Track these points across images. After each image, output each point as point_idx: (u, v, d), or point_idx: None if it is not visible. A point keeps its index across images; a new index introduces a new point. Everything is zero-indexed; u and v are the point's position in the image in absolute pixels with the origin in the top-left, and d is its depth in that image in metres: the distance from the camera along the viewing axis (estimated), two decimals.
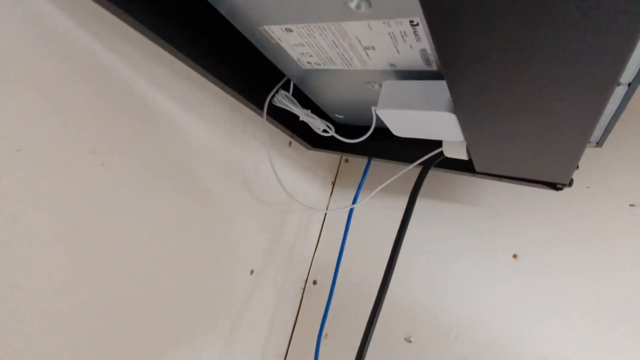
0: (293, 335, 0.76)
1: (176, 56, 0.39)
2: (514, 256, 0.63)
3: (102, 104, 0.36)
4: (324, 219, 0.79)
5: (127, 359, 0.43)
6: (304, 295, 0.77)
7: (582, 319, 0.56)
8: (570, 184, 0.48)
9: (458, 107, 0.33)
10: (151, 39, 0.36)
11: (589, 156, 0.59)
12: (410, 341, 0.66)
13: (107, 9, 0.32)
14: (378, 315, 0.47)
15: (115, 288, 0.40)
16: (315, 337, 0.68)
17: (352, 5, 0.31)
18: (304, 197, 0.72)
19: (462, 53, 0.24)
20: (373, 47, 0.37)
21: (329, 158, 0.79)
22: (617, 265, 0.56)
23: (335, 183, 0.81)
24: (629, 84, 0.32)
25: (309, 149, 0.64)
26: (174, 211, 0.46)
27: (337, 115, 0.61)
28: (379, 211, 0.73)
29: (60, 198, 0.33)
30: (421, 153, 0.56)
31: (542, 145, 0.36)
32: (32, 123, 0.31)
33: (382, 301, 0.48)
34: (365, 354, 0.47)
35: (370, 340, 0.47)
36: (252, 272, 0.62)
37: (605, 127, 0.41)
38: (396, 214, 0.63)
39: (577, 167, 0.46)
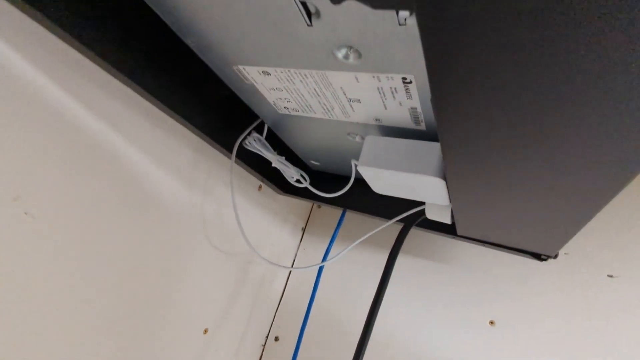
0: None
1: (133, 89, 0.34)
2: (491, 323, 0.59)
3: (37, 141, 0.30)
4: (290, 273, 0.73)
5: None
6: (263, 352, 0.70)
7: None
8: (555, 256, 0.45)
9: (451, 173, 0.29)
10: (106, 70, 0.31)
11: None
12: None
13: (50, 29, 0.27)
14: None
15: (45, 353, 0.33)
16: None
17: (340, 55, 0.28)
18: (270, 245, 0.66)
19: (465, 115, 0.20)
20: (358, 100, 0.34)
21: (301, 203, 0.74)
22: (595, 338, 0.54)
23: (306, 230, 0.76)
24: None
25: (279, 193, 0.60)
26: (119, 258, 0.39)
27: (312, 161, 0.56)
28: (352, 265, 0.68)
29: None
30: (401, 209, 0.52)
31: (538, 221, 0.33)
32: None
33: None
34: None
35: None
36: (206, 330, 0.54)
37: None
38: (370, 270, 0.58)
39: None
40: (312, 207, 0.76)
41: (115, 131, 0.36)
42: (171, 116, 0.38)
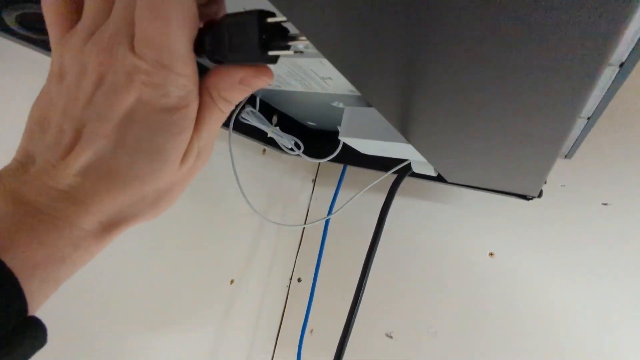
0: (280, 332, 0.78)
1: None
2: (490, 254, 0.64)
3: None
4: (305, 223, 0.79)
5: None
6: (289, 293, 0.79)
7: (560, 315, 0.58)
8: (540, 195, 0.48)
9: (407, 138, 0.32)
10: None
11: (562, 160, 0.59)
12: (391, 337, 0.68)
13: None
14: (356, 314, 0.49)
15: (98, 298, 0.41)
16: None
17: (300, 47, 0.30)
18: (282, 201, 0.72)
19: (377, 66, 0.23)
20: (330, 78, 0.36)
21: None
22: (591, 263, 0.57)
23: (316, 182, 0.81)
24: (588, 118, 0.32)
25: (284, 153, 0.64)
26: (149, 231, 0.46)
27: (309, 122, 0.59)
28: (358, 212, 0.73)
29: None
30: (395, 162, 0.55)
31: (506, 166, 0.36)
32: None
33: (360, 299, 0.49)
34: (344, 348, 0.48)
35: (349, 335, 0.49)
36: (232, 281, 0.63)
37: (572, 144, 0.41)
38: (374, 217, 0.63)
39: (545, 181, 0.46)
40: None
41: None
42: None
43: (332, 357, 0.49)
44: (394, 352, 0.67)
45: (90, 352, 0.43)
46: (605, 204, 0.58)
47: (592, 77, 0.15)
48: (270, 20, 0.17)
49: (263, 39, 0.17)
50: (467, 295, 0.64)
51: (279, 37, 0.18)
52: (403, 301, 0.69)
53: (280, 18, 0.17)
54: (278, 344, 0.78)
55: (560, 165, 0.59)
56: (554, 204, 0.60)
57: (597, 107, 0.30)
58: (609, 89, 0.26)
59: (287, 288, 0.79)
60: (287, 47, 0.18)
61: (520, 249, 0.62)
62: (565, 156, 0.45)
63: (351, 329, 0.50)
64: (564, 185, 0.60)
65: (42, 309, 0.18)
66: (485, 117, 0.23)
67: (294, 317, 0.77)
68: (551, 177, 0.60)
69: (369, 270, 0.49)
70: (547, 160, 0.30)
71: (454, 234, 0.66)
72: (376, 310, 0.70)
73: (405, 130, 0.30)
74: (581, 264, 0.58)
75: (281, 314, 0.78)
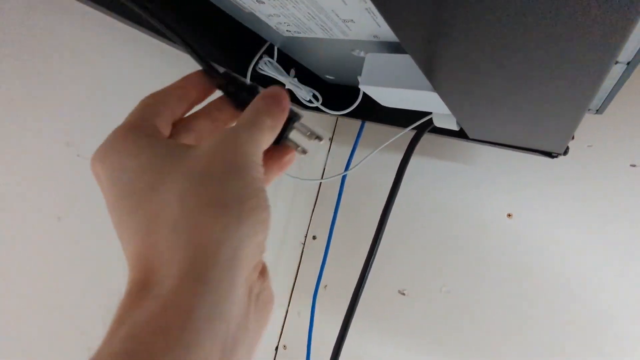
0: (295, 287, 0.80)
1: (142, 31, 0.36)
2: (509, 215, 0.63)
3: (74, 90, 0.35)
4: (321, 180, 0.79)
5: None
6: (304, 249, 0.80)
7: (578, 274, 0.58)
8: (565, 152, 0.46)
9: (435, 85, 0.31)
10: (114, 17, 0.34)
11: (592, 116, 0.56)
12: (404, 294, 0.69)
13: None
14: (369, 271, 0.49)
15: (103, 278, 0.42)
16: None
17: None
18: (299, 157, 0.71)
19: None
20: (352, 20, 0.34)
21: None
22: (618, 224, 0.56)
23: (333, 139, 0.80)
24: (628, 63, 0.29)
25: (302, 108, 0.62)
26: None
27: (327, 76, 0.58)
28: (375, 170, 0.73)
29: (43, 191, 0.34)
30: (415, 117, 0.53)
31: (533, 118, 0.34)
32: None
33: (374, 257, 0.50)
34: (357, 303, 0.49)
35: (362, 291, 0.49)
36: None
37: (605, 97, 0.38)
38: (391, 175, 0.62)
39: (573, 137, 0.44)
40: (337, 117, 0.79)
41: (136, 71, 0.40)
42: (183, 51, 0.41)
43: (345, 312, 0.50)
44: (406, 309, 0.69)
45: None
46: (633, 165, 0.56)
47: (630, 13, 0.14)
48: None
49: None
50: (482, 256, 0.64)
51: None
52: (417, 259, 0.69)
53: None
54: (292, 299, 0.80)
55: (589, 121, 0.56)
56: (578, 164, 0.58)
57: (638, 52, 0.28)
58: None
59: (302, 245, 0.80)
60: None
61: (539, 211, 0.60)
62: (597, 111, 0.43)
63: (364, 285, 0.50)
64: (590, 146, 0.58)
65: None
66: (518, 61, 0.22)
67: (308, 273, 0.78)
68: (579, 135, 0.58)
69: (384, 229, 0.49)
70: (577, 111, 0.28)
71: (473, 194, 0.65)
72: (390, 267, 0.71)
73: (434, 75, 0.28)
74: (603, 229, 0.57)
75: (296, 270, 0.80)
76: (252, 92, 0.22)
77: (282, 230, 0.73)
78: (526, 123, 0.36)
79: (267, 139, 0.19)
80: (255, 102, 0.20)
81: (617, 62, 0.30)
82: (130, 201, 0.16)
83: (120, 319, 0.14)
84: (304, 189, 0.77)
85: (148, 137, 0.17)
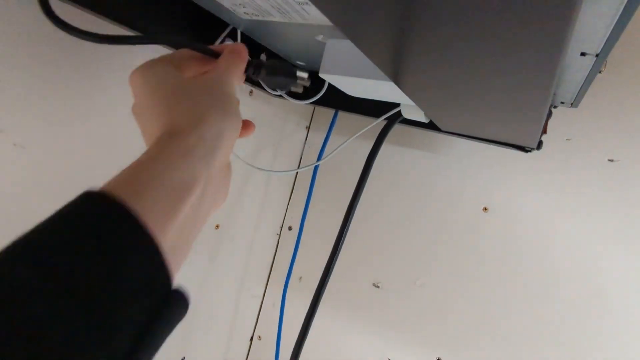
0: (270, 278, 0.79)
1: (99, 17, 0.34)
2: (485, 209, 0.61)
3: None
4: (294, 169, 0.77)
5: None
6: (279, 241, 0.78)
7: (555, 267, 0.57)
8: (539, 146, 0.44)
9: (388, 75, 0.29)
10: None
11: (570, 110, 0.54)
12: (378, 286, 0.68)
13: None
14: (336, 260, 0.48)
15: None
16: (292, 279, 0.71)
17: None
18: (273, 147, 0.69)
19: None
20: (307, 3, 0.32)
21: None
22: (595, 219, 0.55)
23: (310, 127, 0.77)
24: (597, 55, 0.27)
25: (273, 95, 0.60)
26: None
27: (298, 62, 0.55)
28: (348, 160, 0.71)
29: None
30: (388, 107, 0.51)
31: (497, 111, 0.32)
32: None
33: (341, 245, 0.48)
34: (323, 292, 0.48)
35: (327, 282, 0.48)
36: (217, 226, 0.62)
37: (577, 90, 0.36)
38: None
39: (545, 131, 0.42)
40: (314, 106, 0.76)
41: (90, 60, 0.37)
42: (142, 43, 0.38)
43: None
44: (381, 301, 0.68)
45: None
46: (611, 160, 0.54)
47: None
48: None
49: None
50: (458, 250, 0.63)
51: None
52: (391, 252, 0.68)
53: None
54: (267, 290, 0.79)
55: (566, 115, 0.55)
56: (556, 158, 0.57)
57: (605, 43, 0.26)
58: (616, 23, 0.22)
59: (278, 236, 0.78)
60: None
61: (517, 205, 0.59)
62: (572, 104, 0.41)
63: (329, 276, 0.49)
64: (569, 139, 0.56)
65: None
66: (471, 51, 0.20)
67: (284, 265, 0.77)
68: (557, 128, 0.56)
69: (352, 217, 0.48)
70: (539, 103, 0.26)
71: (448, 187, 0.64)
72: (364, 260, 0.70)
73: (383, 64, 0.26)
74: (580, 223, 0.55)
75: (271, 262, 0.79)
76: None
77: (256, 221, 0.71)
78: (491, 116, 0.34)
79: (238, 78, 0.30)
80: (225, 56, 0.29)
81: (584, 54, 0.28)
82: (162, 92, 0.25)
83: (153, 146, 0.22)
84: (279, 179, 0.75)
85: (175, 68, 0.27)
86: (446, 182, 0.64)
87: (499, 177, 0.60)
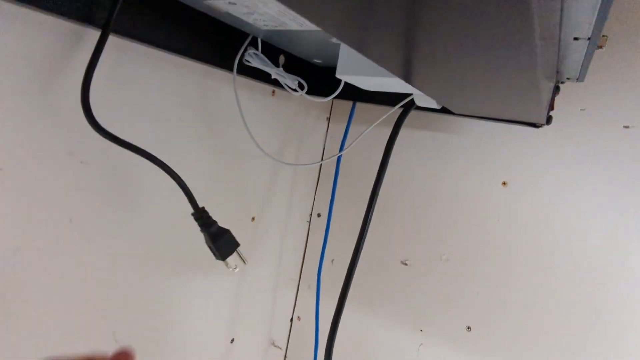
0: (304, 262, 0.84)
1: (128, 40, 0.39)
2: (504, 183, 0.64)
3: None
4: (317, 162, 0.81)
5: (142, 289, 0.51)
6: (310, 227, 0.83)
7: (575, 237, 0.59)
8: (548, 122, 0.47)
9: (403, 77, 0.32)
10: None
11: (581, 84, 0.56)
12: (407, 264, 0.72)
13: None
14: (364, 242, 0.52)
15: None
16: (325, 262, 0.76)
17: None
18: (297, 141, 0.74)
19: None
20: None
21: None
22: (612, 186, 0.57)
23: (331, 119, 0.81)
24: (588, 39, 0.30)
25: (294, 93, 0.64)
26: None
27: (315, 60, 0.59)
28: (369, 148, 0.74)
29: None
30: (401, 97, 0.55)
31: (498, 91, 0.35)
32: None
33: (367, 229, 0.52)
34: (354, 272, 0.52)
35: (358, 261, 0.52)
36: (253, 218, 0.67)
37: (580, 67, 0.39)
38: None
39: (552, 107, 0.45)
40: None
41: (123, 76, 0.43)
42: (169, 52, 0.43)
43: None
44: (408, 277, 0.72)
45: (123, 296, 0.49)
46: (627, 127, 0.55)
47: None
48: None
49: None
50: (479, 224, 0.66)
51: None
52: (416, 231, 0.71)
53: None
54: (303, 274, 0.84)
55: (575, 89, 0.56)
56: (571, 129, 0.59)
57: (594, 27, 0.29)
58: (600, 7, 0.25)
59: (308, 223, 0.83)
60: None
61: (536, 177, 0.61)
62: (577, 79, 0.43)
63: (359, 255, 0.53)
64: (583, 110, 0.58)
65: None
66: (467, 48, 0.23)
67: (316, 249, 0.82)
68: (569, 101, 0.58)
69: (376, 200, 0.51)
70: (532, 85, 0.29)
71: (466, 165, 0.67)
72: (392, 240, 0.74)
73: (397, 71, 0.30)
74: (600, 192, 0.57)
75: (304, 247, 0.84)
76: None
77: (287, 210, 0.76)
78: (495, 97, 0.37)
79: None
80: None
81: (577, 39, 0.30)
82: None
83: None
84: (305, 170, 0.79)
85: None
86: (464, 161, 0.67)
87: (516, 152, 0.63)
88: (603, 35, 0.51)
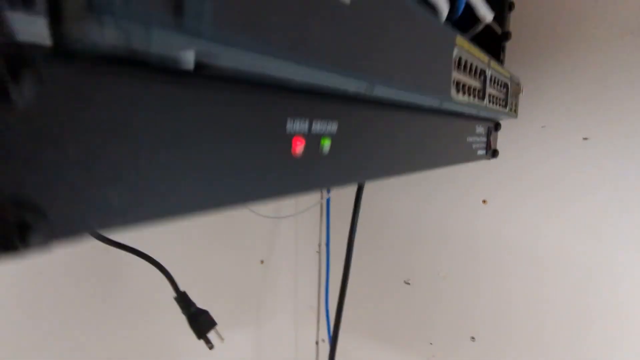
0: (320, 288, 0.91)
1: None
2: (484, 202, 0.68)
3: None
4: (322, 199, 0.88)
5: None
6: (320, 257, 0.91)
7: (552, 259, 0.63)
8: (494, 155, 0.51)
9: None
10: None
11: (545, 99, 0.60)
12: (409, 283, 0.78)
13: None
14: (349, 269, 0.59)
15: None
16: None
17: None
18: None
19: None
20: None
21: None
22: (574, 195, 0.60)
23: None
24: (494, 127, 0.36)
25: None
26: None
27: None
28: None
29: None
30: None
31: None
32: None
33: (350, 260, 0.59)
34: (344, 300, 0.59)
35: (346, 288, 0.59)
36: (262, 261, 0.76)
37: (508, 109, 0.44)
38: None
39: (490, 146, 0.50)
40: None
41: None
42: None
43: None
44: (414, 294, 0.77)
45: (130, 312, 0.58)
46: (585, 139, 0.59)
47: None
48: None
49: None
50: (468, 242, 0.70)
51: None
52: (418, 252, 0.77)
53: None
54: (320, 299, 0.92)
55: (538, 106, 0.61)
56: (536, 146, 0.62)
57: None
58: None
59: (318, 253, 0.91)
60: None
61: (509, 194, 0.65)
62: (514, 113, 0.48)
63: (347, 281, 0.60)
64: (544, 127, 0.62)
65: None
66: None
67: (331, 276, 0.89)
68: (531, 117, 0.62)
69: (352, 248, 0.58)
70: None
71: (449, 187, 0.71)
72: (394, 262, 0.80)
73: None
74: (568, 204, 0.61)
75: (318, 274, 0.91)
76: None
77: (293, 243, 0.84)
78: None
79: None
80: None
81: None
82: None
83: None
84: (304, 215, 0.87)
85: None
86: (447, 184, 0.72)
87: (490, 173, 0.67)
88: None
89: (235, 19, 0.12)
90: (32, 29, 0.09)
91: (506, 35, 0.49)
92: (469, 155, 0.43)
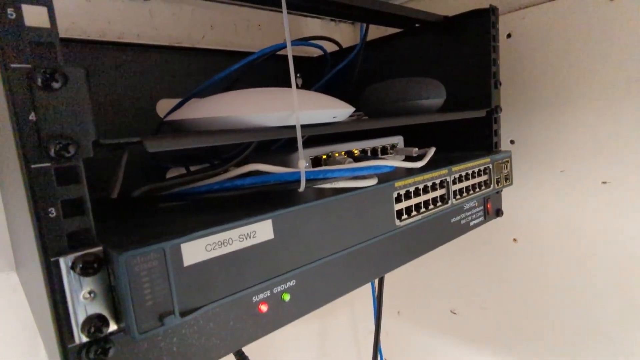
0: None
1: None
2: (514, 240, 0.71)
3: None
4: None
5: None
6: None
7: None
8: (498, 215, 0.56)
9: None
10: None
11: (557, 145, 0.62)
12: (455, 313, 0.84)
13: None
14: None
15: None
16: (392, 314, 0.91)
17: None
18: None
19: None
20: None
21: None
22: (596, 234, 0.60)
23: None
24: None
25: None
26: None
27: None
28: None
29: None
30: None
31: None
32: None
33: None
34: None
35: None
36: None
37: (490, 195, 0.49)
38: None
39: (489, 212, 0.55)
40: None
41: None
42: None
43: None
44: (461, 323, 0.83)
45: None
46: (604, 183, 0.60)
47: None
48: None
49: None
50: (498, 275, 0.74)
51: None
52: (461, 283, 0.82)
53: None
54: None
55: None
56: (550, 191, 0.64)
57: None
58: None
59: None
60: None
61: (543, 235, 0.68)
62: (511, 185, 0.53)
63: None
64: (563, 171, 0.63)
65: None
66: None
67: (385, 301, 0.98)
68: (549, 166, 0.64)
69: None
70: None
71: (479, 233, 0.76)
72: (441, 292, 0.86)
73: None
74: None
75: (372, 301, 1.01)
76: None
77: None
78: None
79: None
80: None
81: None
82: None
83: None
84: None
85: None
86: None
87: (522, 214, 0.70)
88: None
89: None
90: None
91: (496, 110, 0.54)
92: (459, 230, 0.49)
